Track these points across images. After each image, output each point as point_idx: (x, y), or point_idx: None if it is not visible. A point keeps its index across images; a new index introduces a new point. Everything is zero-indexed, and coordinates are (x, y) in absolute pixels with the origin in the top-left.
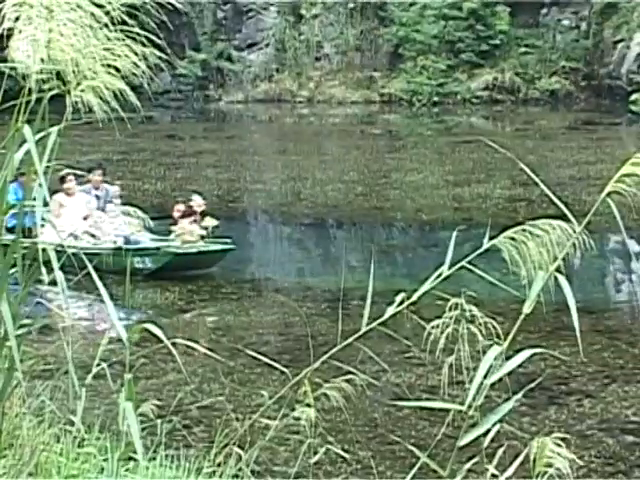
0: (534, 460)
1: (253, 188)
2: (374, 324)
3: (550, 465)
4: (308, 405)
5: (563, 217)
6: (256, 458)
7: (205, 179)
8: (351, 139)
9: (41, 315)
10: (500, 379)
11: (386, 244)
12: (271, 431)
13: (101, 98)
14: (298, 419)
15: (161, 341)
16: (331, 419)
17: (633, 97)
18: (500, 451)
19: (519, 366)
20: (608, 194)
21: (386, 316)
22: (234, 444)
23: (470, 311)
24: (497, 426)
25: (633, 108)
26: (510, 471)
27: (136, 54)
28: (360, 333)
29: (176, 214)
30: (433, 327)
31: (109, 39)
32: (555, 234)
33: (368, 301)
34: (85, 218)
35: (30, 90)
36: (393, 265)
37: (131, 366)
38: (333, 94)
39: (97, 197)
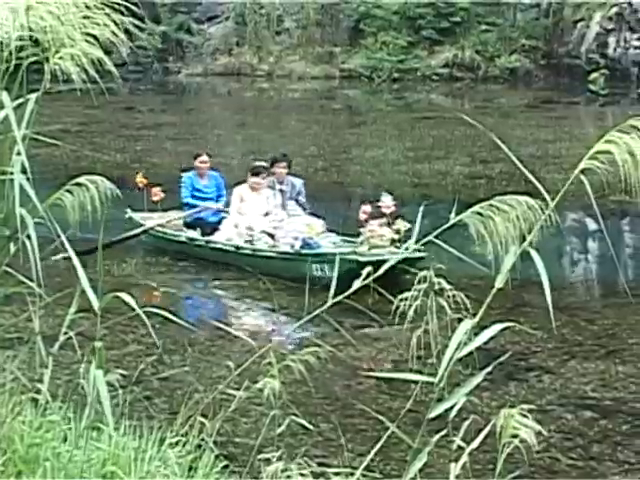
0: (500, 431)
1: (213, 161)
2: (340, 297)
3: (515, 436)
4: (273, 377)
5: (527, 194)
6: (219, 429)
7: (165, 151)
8: (311, 114)
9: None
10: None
11: (348, 219)
12: (235, 402)
13: (79, 66)
14: (261, 390)
15: (123, 312)
16: (294, 391)
17: (592, 76)
18: (466, 424)
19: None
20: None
21: (352, 289)
22: (199, 415)
23: (439, 284)
24: (463, 399)
25: (592, 87)
26: (476, 443)
27: (116, 23)
28: (326, 306)
29: (362, 216)
30: (401, 300)
31: (87, 7)
32: (521, 210)
33: (335, 274)
34: (266, 215)
35: (8, 57)
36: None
37: (95, 337)
38: (293, 69)
39: (281, 192)
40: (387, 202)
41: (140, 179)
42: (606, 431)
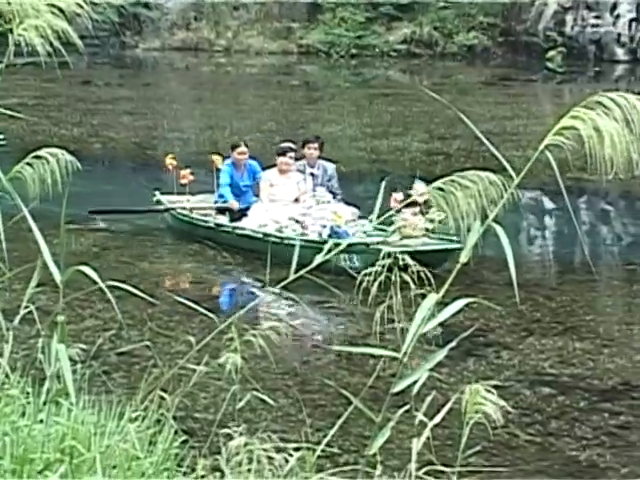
0: (465, 407)
1: (170, 136)
2: (302, 272)
3: (478, 412)
4: (233, 352)
5: (485, 170)
6: (179, 404)
7: (122, 126)
8: (269, 89)
9: None
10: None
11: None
12: (195, 377)
13: (43, 37)
14: (222, 365)
15: (83, 287)
16: (254, 367)
17: (549, 54)
18: (429, 399)
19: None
20: (546, 147)
21: (314, 264)
22: (159, 390)
23: (403, 260)
24: (426, 375)
25: (549, 65)
26: (438, 418)
27: None
28: (287, 280)
29: (393, 204)
30: (365, 275)
31: None
32: (483, 185)
33: (296, 250)
34: (296, 201)
35: None
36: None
37: (53, 311)
38: (251, 44)
39: (312, 176)
40: (420, 189)
41: (170, 161)
42: (564, 407)
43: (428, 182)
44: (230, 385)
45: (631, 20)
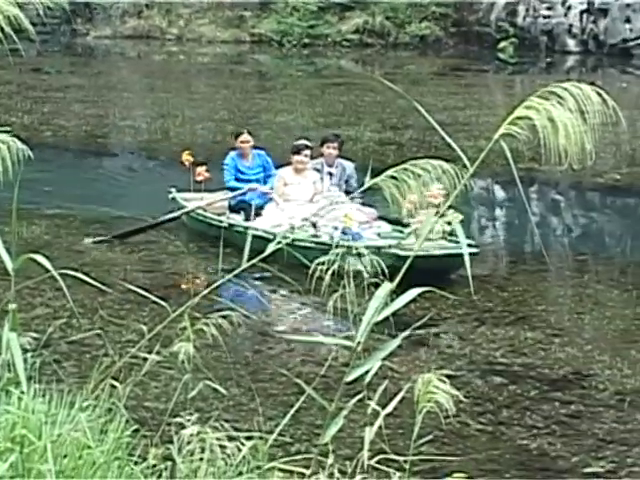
0: (418, 396)
1: (122, 125)
2: (253, 261)
3: (430, 401)
4: (186, 340)
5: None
6: (130, 393)
7: (73, 114)
8: (221, 78)
9: None
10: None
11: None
12: (146, 366)
13: None
14: (174, 354)
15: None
16: (206, 356)
17: (501, 45)
18: (381, 388)
19: (387, 306)
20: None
21: (265, 253)
22: (110, 379)
23: (356, 248)
24: (378, 364)
25: (501, 56)
26: (390, 407)
27: None
28: (239, 270)
29: (407, 205)
30: (318, 264)
31: None
32: (436, 174)
33: (248, 239)
34: (312, 201)
35: None
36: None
37: (1, 300)
38: (203, 32)
39: (330, 175)
40: (435, 191)
41: (186, 157)
42: (515, 396)
43: (381, 171)
44: (182, 374)
45: (582, 11)
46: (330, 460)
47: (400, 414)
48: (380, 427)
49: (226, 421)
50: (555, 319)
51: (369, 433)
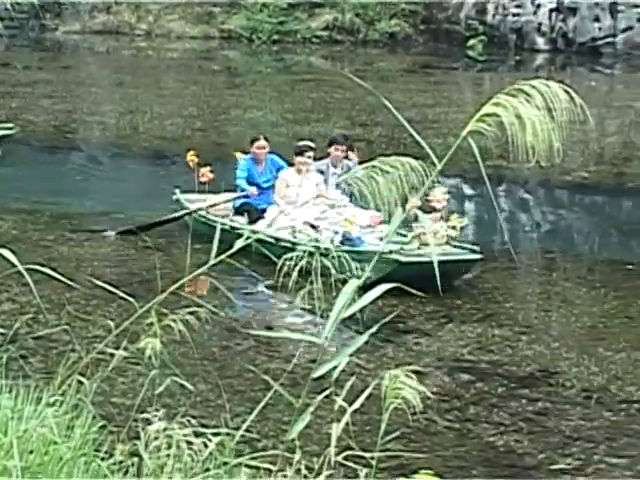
0: (385, 392)
1: (90, 120)
2: (222, 257)
3: (397, 397)
4: (153, 336)
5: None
6: (97, 389)
7: (41, 109)
8: (190, 74)
9: None
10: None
11: (228, 180)
12: (113, 362)
13: None
14: (141, 350)
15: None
16: (173, 352)
17: (470, 42)
18: (348, 384)
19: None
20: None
21: (234, 249)
22: (77, 375)
23: (324, 245)
24: (346, 360)
25: (470, 53)
26: (358, 403)
27: None
28: (207, 266)
29: (410, 210)
30: (286, 260)
31: None
32: (404, 171)
33: (217, 234)
34: (314, 203)
35: None
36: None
37: None
38: (172, 28)
39: (336, 177)
40: (438, 196)
41: (190, 157)
42: (482, 393)
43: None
44: (149, 370)
45: (551, 10)
46: (297, 456)
47: (367, 410)
48: (347, 423)
49: (193, 417)
50: (523, 316)
51: (336, 429)
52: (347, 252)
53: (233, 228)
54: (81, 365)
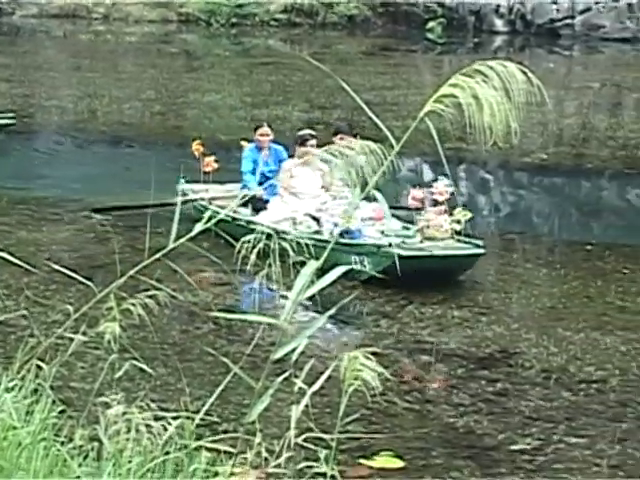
0: (344, 374)
1: (48, 104)
2: (181, 240)
3: (357, 379)
4: (112, 320)
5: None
6: (56, 374)
7: None
8: (148, 58)
9: None
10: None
11: (186, 164)
12: (72, 346)
13: None
14: (100, 334)
15: None
16: (133, 336)
17: (429, 25)
18: (307, 366)
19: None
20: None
21: (193, 232)
22: (36, 360)
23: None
24: (305, 342)
25: (429, 35)
26: (317, 385)
27: None
28: (166, 249)
29: (412, 203)
30: (244, 243)
31: None
32: (362, 153)
33: (176, 218)
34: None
35: None
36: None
37: None
38: (130, 12)
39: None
40: (440, 188)
41: (196, 147)
42: (442, 375)
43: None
44: (108, 354)
45: None
46: (257, 439)
47: (328, 393)
48: (307, 406)
49: (153, 401)
50: (483, 298)
51: (295, 411)
52: (346, 245)
53: (234, 219)
54: (40, 350)
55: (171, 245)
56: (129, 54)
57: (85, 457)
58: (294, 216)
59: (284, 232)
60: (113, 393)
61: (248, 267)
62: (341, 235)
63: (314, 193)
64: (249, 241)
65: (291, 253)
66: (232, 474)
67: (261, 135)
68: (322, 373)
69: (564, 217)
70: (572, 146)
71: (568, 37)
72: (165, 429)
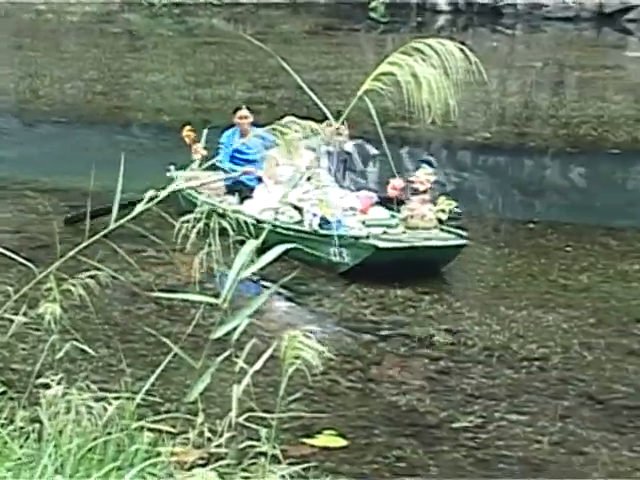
0: (284, 353)
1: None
2: (121, 221)
3: (298, 358)
4: (52, 301)
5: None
6: None
7: None
8: (90, 37)
9: None
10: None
11: (128, 144)
12: (13, 328)
13: None
14: (41, 316)
15: None
16: (74, 317)
17: (372, 4)
18: (249, 346)
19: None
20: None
21: (134, 213)
22: None
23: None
24: (246, 321)
25: (372, 15)
26: (258, 365)
27: None
28: (107, 230)
29: (392, 192)
30: (183, 222)
31: None
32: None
33: (116, 198)
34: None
35: None
36: (139, 165)
37: None
38: None
39: (328, 154)
40: (421, 177)
41: (187, 133)
42: (384, 353)
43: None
44: (49, 335)
45: None
46: (200, 419)
47: (271, 372)
48: (249, 385)
49: (94, 382)
50: (425, 277)
51: (237, 391)
52: (324, 236)
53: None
54: None
55: (112, 226)
56: (71, 33)
57: (26, 439)
58: (276, 206)
59: (266, 222)
60: (54, 374)
61: (187, 246)
62: (320, 226)
63: (301, 182)
64: (188, 221)
65: (231, 232)
66: (174, 454)
67: (240, 118)
68: (264, 353)
69: (507, 196)
70: (515, 125)
71: (511, 16)
72: (105, 410)
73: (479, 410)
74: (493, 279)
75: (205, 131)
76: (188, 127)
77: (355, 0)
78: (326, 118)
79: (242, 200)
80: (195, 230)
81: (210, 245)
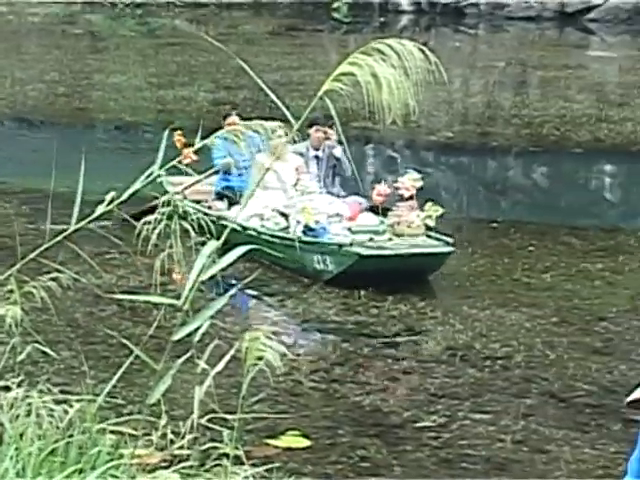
0: (245, 354)
1: None
2: (82, 223)
3: (261, 358)
4: (13, 304)
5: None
6: None
7: None
8: (52, 39)
9: None
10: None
11: (91, 146)
12: None
13: None
14: (0, 318)
15: None
16: (35, 319)
17: (335, 4)
18: (211, 346)
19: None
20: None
21: (95, 215)
22: None
23: (183, 207)
24: (207, 323)
25: (335, 15)
26: (220, 366)
27: None
28: (68, 232)
29: (377, 198)
30: (145, 224)
31: None
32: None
33: (77, 200)
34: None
35: None
36: (101, 166)
37: None
38: None
39: (317, 159)
40: (406, 183)
41: (178, 137)
42: (348, 354)
43: (215, 131)
44: (10, 338)
45: None
46: (162, 421)
47: (234, 374)
48: (212, 387)
49: (56, 385)
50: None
51: (199, 392)
52: (308, 243)
53: (205, 214)
54: None
55: (72, 227)
56: (32, 35)
57: None
58: (262, 212)
59: (252, 229)
60: (15, 377)
61: (149, 248)
62: (304, 233)
63: (290, 186)
64: (150, 222)
65: (192, 234)
66: (136, 456)
67: (229, 125)
68: (227, 354)
69: (470, 195)
70: (477, 124)
71: (473, 16)
72: (67, 412)
73: (442, 409)
74: (456, 278)
75: (165, 133)
76: (178, 132)
77: (318, 0)
78: (287, 119)
79: (230, 206)
80: (156, 232)
81: (171, 247)
